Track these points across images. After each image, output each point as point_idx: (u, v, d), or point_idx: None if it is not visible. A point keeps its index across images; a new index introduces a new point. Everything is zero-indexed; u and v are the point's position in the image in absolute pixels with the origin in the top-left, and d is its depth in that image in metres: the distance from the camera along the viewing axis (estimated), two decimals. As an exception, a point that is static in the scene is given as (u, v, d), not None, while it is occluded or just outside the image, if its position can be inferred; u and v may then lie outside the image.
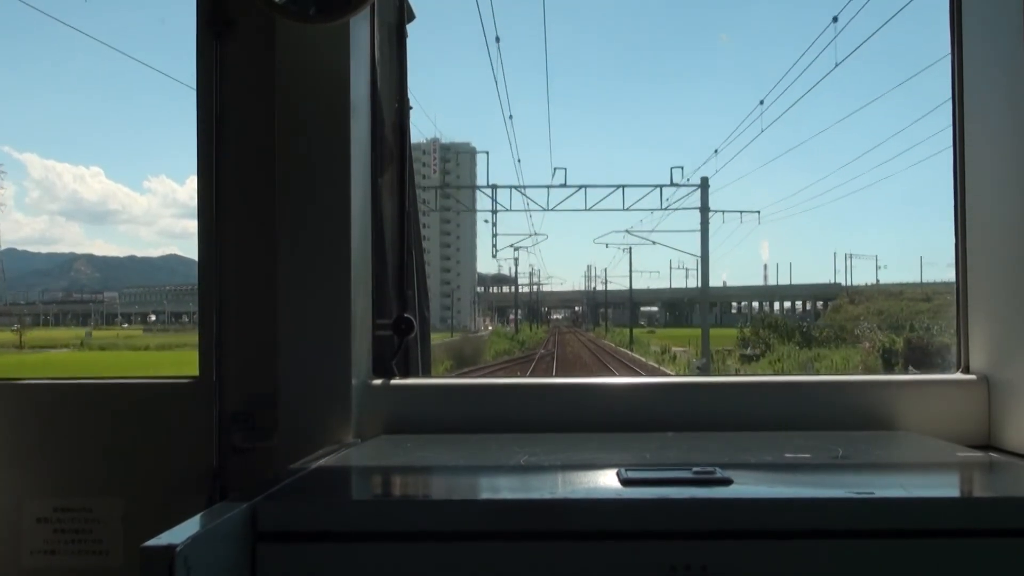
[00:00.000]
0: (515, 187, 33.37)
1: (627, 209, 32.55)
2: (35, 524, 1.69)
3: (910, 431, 1.61)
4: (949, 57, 1.74)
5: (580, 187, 32.04)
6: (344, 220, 1.61)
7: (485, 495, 1.21)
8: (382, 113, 1.81)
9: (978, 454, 1.43)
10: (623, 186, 32.40)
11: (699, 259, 31.32)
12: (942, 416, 1.62)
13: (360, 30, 1.70)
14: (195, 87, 1.71)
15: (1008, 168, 1.56)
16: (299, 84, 1.63)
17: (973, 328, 1.69)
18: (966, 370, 1.69)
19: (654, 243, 42.68)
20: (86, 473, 1.70)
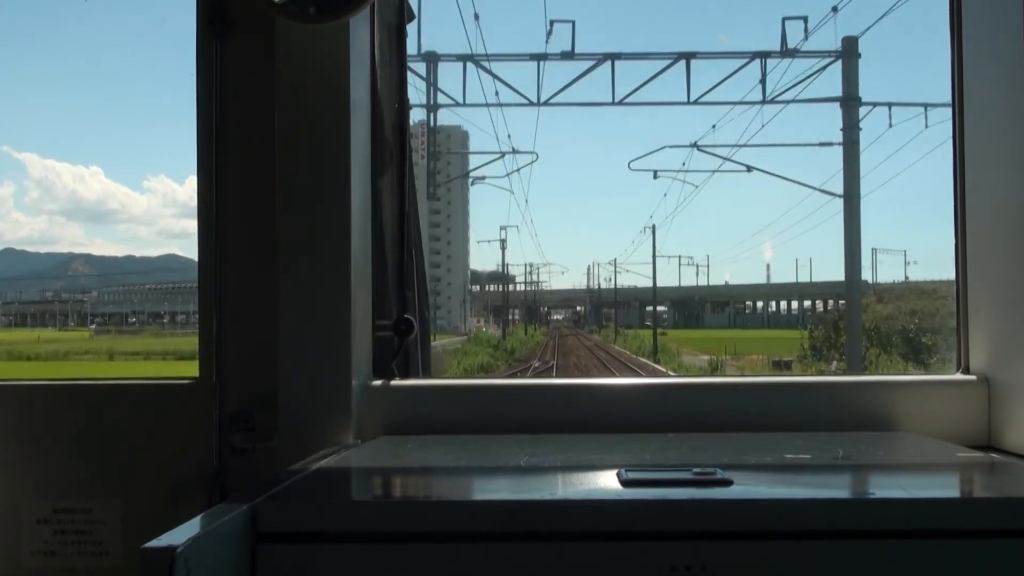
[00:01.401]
0: (474, 60, 18.22)
1: (695, 102, 17.53)
2: (35, 525, 1.69)
3: (910, 432, 1.61)
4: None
5: (601, 59, 16.74)
6: (344, 220, 1.61)
7: (485, 496, 1.21)
8: (382, 113, 1.81)
9: (978, 455, 1.43)
10: (687, 56, 16.79)
11: (843, 197, 16.26)
12: (942, 417, 1.62)
13: (360, 30, 1.70)
14: (195, 87, 1.71)
15: (1008, 168, 1.56)
16: (299, 84, 1.63)
17: (973, 328, 1.69)
18: (966, 371, 1.70)
19: (748, 169, 21.97)
20: (86, 474, 1.70)
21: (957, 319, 1.72)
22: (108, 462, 1.70)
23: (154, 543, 0.88)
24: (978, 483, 1.32)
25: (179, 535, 0.90)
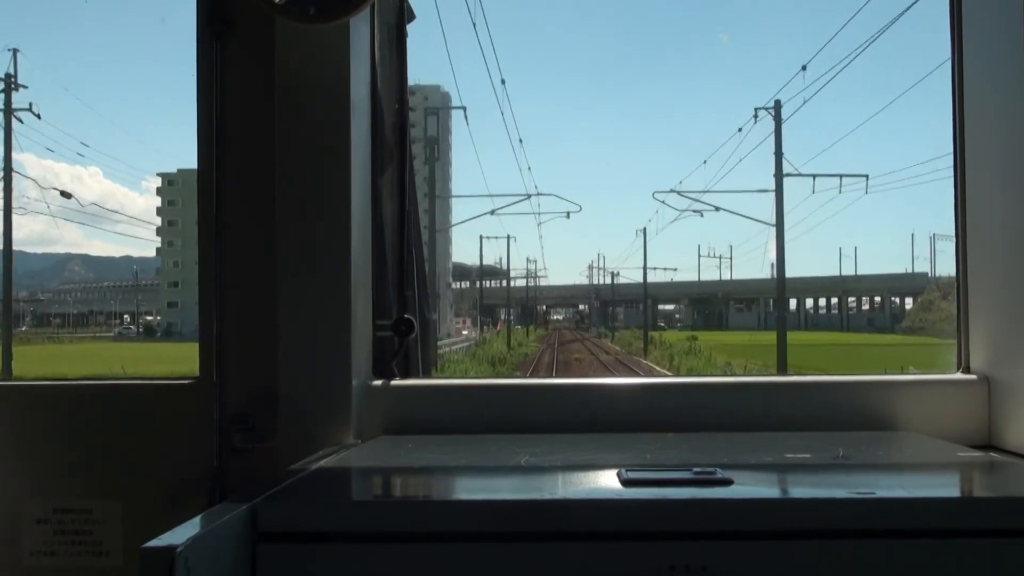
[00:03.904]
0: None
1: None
2: (35, 525, 1.69)
3: (910, 431, 1.61)
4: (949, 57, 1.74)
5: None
6: (344, 220, 1.61)
7: (485, 495, 1.21)
8: (382, 113, 1.81)
9: (978, 454, 1.43)
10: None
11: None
12: (942, 416, 1.62)
13: (360, 30, 1.70)
14: (195, 87, 1.71)
15: (1008, 168, 1.56)
16: (299, 84, 1.62)
17: (973, 328, 1.69)
18: (966, 370, 1.70)
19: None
20: (86, 474, 1.70)
21: (957, 319, 1.72)
22: (108, 462, 1.70)
23: (154, 543, 0.88)
24: (978, 483, 1.32)
25: (179, 535, 0.90)
